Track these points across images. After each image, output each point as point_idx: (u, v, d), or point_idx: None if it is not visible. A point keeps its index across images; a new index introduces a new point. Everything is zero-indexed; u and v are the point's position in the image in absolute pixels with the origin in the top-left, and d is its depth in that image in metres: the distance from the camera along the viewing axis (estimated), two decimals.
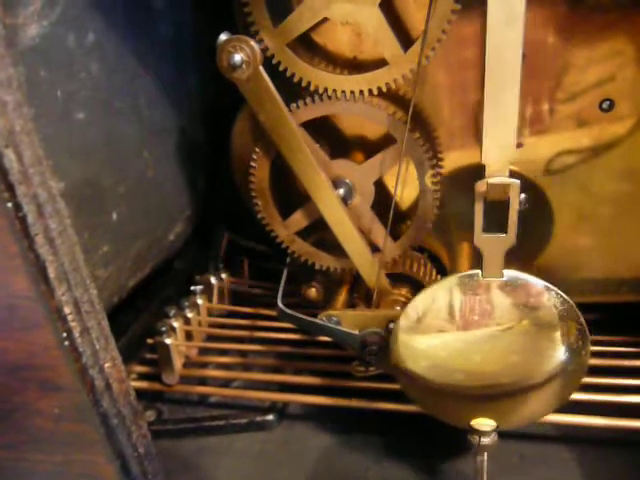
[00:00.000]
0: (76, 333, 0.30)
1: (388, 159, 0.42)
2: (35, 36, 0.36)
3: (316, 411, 0.51)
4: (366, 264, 0.44)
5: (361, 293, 0.47)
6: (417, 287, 0.47)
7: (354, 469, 0.46)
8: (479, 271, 0.37)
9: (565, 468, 0.43)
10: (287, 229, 0.46)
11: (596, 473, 0.43)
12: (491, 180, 0.35)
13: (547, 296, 0.37)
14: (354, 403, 0.48)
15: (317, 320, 0.43)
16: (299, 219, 0.45)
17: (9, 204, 0.26)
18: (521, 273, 0.37)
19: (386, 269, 0.45)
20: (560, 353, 0.38)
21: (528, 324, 0.37)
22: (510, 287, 0.37)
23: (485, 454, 0.39)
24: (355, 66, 0.43)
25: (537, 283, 0.37)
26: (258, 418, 0.51)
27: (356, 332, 0.43)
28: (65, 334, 0.30)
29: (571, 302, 0.37)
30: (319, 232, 0.47)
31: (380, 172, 0.44)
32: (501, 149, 0.35)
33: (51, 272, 0.28)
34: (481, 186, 0.36)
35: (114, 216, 0.46)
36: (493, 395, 0.39)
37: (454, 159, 0.46)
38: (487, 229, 0.36)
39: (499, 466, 0.44)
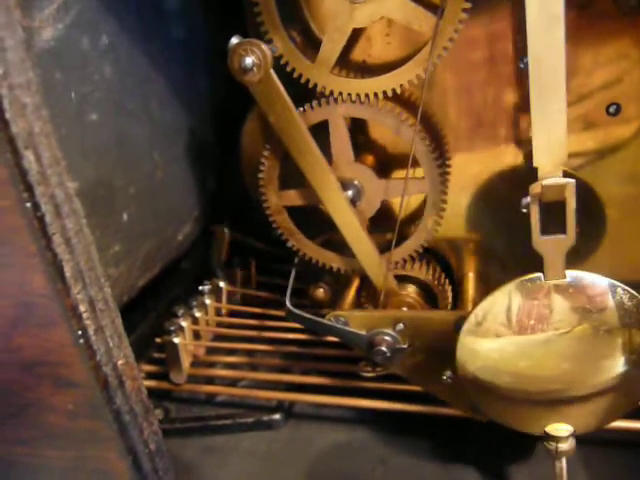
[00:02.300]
0: (91, 331, 0.30)
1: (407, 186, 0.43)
2: (50, 39, 0.36)
3: (323, 411, 0.51)
4: (374, 265, 0.44)
5: (369, 294, 0.48)
6: (424, 288, 0.48)
7: (361, 469, 0.46)
8: (541, 274, 0.37)
9: (571, 468, 0.43)
10: (279, 199, 0.45)
11: (602, 474, 0.43)
12: (545, 182, 0.35)
13: (613, 294, 0.36)
14: (361, 403, 0.48)
15: (325, 320, 0.44)
16: (294, 196, 0.45)
17: (28, 204, 0.27)
18: (585, 272, 0.36)
19: (393, 270, 0.45)
20: (622, 358, 0.37)
21: (588, 327, 0.37)
22: (574, 288, 0.36)
23: (564, 460, 0.39)
24: (364, 69, 0.43)
25: (601, 281, 0.36)
26: (265, 417, 0.51)
27: (364, 332, 0.43)
28: (80, 332, 0.30)
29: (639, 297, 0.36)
30: (327, 233, 0.48)
31: (392, 195, 0.44)
32: (552, 151, 0.35)
33: (67, 271, 0.29)
34: (536, 188, 0.35)
35: (125, 216, 0.46)
36: (563, 400, 0.38)
37: (461, 161, 0.46)
38: (546, 231, 0.36)
39: (502, 465, 0.44)
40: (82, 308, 0.30)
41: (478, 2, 0.38)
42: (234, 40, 0.39)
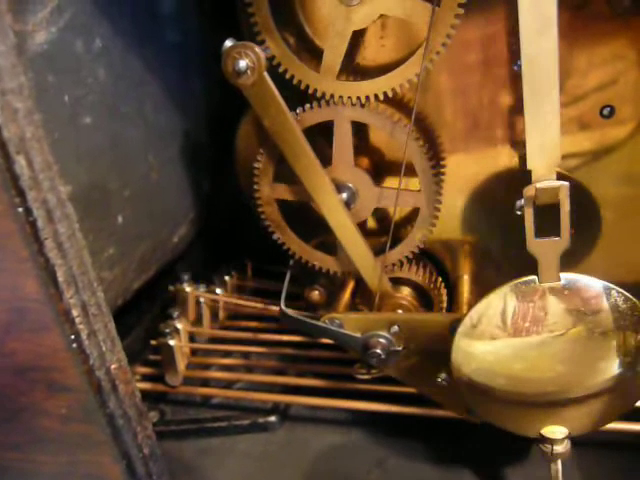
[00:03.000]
0: (84, 335, 0.30)
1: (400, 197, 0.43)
2: (44, 42, 0.36)
3: (318, 413, 0.51)
4: (368, 267, 0.44)
5: (363, 296, 0.48)
6: (419, 291, 0.48)
7: (356, 471, 0.46)
8: (535, 277, 0.37)
9: (566, 470, 0.43)
10: (272, 191, 0.45)
11: (595, 475, 0.43)
12: (539, 184, 0.35)
13: (607, 296, 0.36)
14: (356, 405, 0.48)
15: (320, 323, 0.44)
16: (286, 191, 0.45)
17: (20, 209, 0.27)
18: (580, 275, 0.36)
19: (388, 272, 0.45)
20: (617, 360, 0.37)
21: (583, 330, 0.37)
22: (567, 291, 0.37)
23: (559, 462, 0.39)
24: (358, 72, 0.43)
25: (596, 284, 0.36)
26: (261, 419, 0.51)
27: (358, 335, 0.43)
28: (73, 336, 0.30)
29: (634, 299, 0.36)
30: (321, 235, 0.48)
31: (385, 203, 0.44)
32: (546, 153, 0.35)
33: (60, 275, 0.29)
34: (530, 191, 0.35)
35: (119, 219, 0.46)
36: (558, 402, 0.38)
37: (456, 163, 0.46)
38: (540, 233, 0.36)
39: (500, 467, 0.44)
40: (75, 313, 0.30)
41: (473, 4, 0.38)
42: (228, 43, 0.39)
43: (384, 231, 0.47)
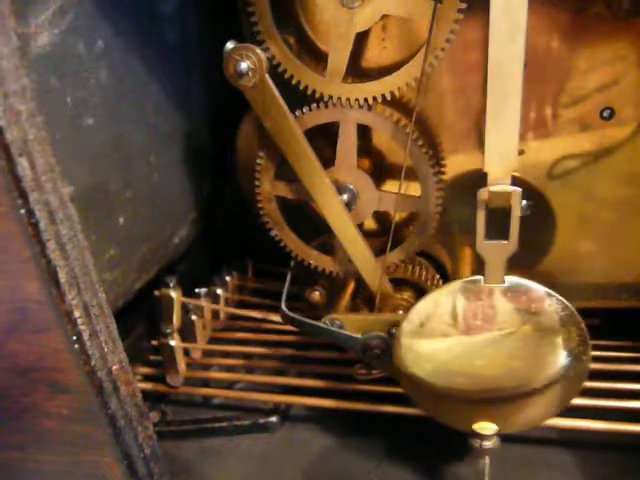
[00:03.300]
0: (85, 336, 0.31)
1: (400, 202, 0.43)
2: (46, 44, 0.36)
3: (319, 413, 0.51)
4: (369, 268, 0.44)
5: (364, 297, 0.48)
6: (419, 292, 0.48)
7: (356, 471, 0.46)
8: (482, 277, 0.38)
9: (566, 471, 0.43)
10: (272, 188, 0.45)
11: (597, 476, 0.43)
12: (493, 188, 0.36)
13: (548, 302, 0.37)
14: (356, 406, 0.49)
15: (320, 324, 0.44)
16: (287, 189, 0.45)
17: (22, 211, 0.27)
18: (522, 279, 0.38)
19: (389, 274, 0.45)
20: (561, 358, 0.38)
21: (530, 329, 0.38)
22: (512, 293, 0.38)
23: (487, 457, 0.40)
24: (359, 74, 0.43)
25: (538, 289, 0.37)
26: (261, 420, 0.51)
27: (358, 336, 0.43)
28: (75, 337, 0.30)
29: (572, 308, 0.37)
30: (322, 236, 0.48)
31: (384, 207, 0.44)
32: (503, 157, 0.35)
33: (62, 277, 0.29)
34: (483, 194, 0.36)
35: (121, 220, 0.47)
36: (495, 399, 0.39)
37: (457, 164, 0.46)
38: (489, 236, 0.37)
39: (500, 470, 0.44)
40: (77, 313, 0.30)
41: (474, 4, 0.38)
42: (229, 45, 0.39)
43: (384, 232, 0.47)
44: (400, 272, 0.47)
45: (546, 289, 0.37)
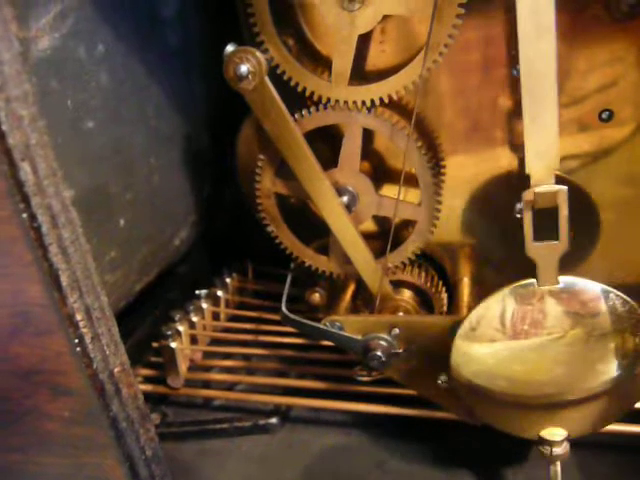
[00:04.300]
0: (87, 339, 0.31)
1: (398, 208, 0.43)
2: (47, 48, 0.36)
3: (319, 415, 0.52)
4: (369, 270, 0.44)
5: (364, 299, 0.48)
6: (419, 293, 0.48)
7: (357, 473, 0.46)
8: (534, 280, 0.37)
9: (566, 471, 0.43)
10: (272, 185, 0.45)
11: (597, 476, 0.43)
12: (538, 189, 0.35)
13: (606, 299, 0.36)
14: (357, 407, 0.49)
15: (320, 325, 0.44)
16: (287, 186, 0.45)
17: (24, 215, 0.27)
18: (578, 278, 0.37)
19: (388, 275, 0.45)
20: (615, 362, 0.37)
21: (581, 332, 0.37)
22: (566, 294, 0.37)
23: (558, 464, 0.39)
24: (359, 76, 0.43)
25: (594, 287, 0.37)
26: (262, 421, 0.51)
27: (359, 337, 0.43)
28: (77, 340, 0.31)
29: (632, 302, 0.36)
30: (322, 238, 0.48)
31: (383, 212, 0.45)
32: (544, 157, 0.35)
33: (64, 280, 0.29)
34: (528, 195, 0.36)
35: (121, 222, 0.47)
36: (557, 404, 0.39)
37: (456, 165, 0.46)
38: (538, 237, 0.36)
39: (500, 469, 0.44)
40: (78, 317, 0.30)
41: (474, 5, 0.38)
42: (229, 48, 0.39)
43: (384, 234, 0.47)
44: (400, 274, 0.47)
45: (603, 286, 0.36)
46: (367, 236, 0.44)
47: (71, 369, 0.31)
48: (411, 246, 0.45)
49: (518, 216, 0.37)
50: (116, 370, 0.33)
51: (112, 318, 0.33)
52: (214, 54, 0.41)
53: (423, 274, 0.48)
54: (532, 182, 0.36)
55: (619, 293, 0.37)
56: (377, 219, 0.49)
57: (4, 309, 0.30)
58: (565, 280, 0.37)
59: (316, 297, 0.51)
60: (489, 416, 0.41)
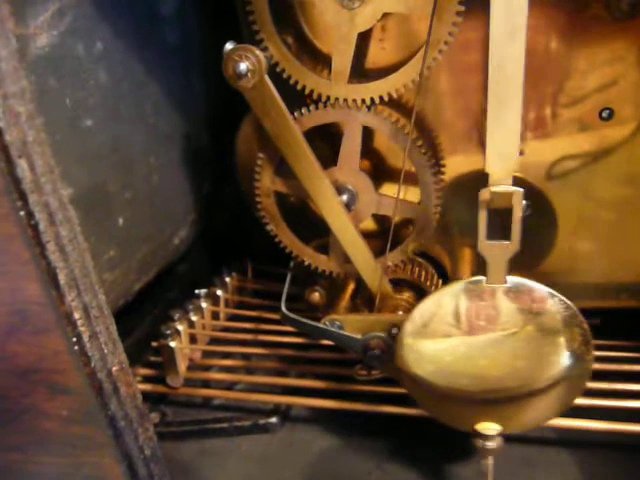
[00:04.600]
0: (85, 338, 0.31)
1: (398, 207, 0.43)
2: (45, 45, 0.36)
3: (319, 414, 0.51)
4: (369, 269, 0.44)
5: (364, 298, 0.48)
6: (419, 292, 0.48)
7: (357, 472, 0.46)
8: (484, 277, 0.38)
9: (565, 472, 0.43)
10: (272, 183, 0.45)
11: (597, 476, 0.43)
12: (494, 188, 0.36)
13: (551, 302, 0.37)
14: (357, 406, 0.49)
15: (320, 324, 0.44)
16: (286, 185, 0.45)
17: (22, 212, 0.27)
18: (525, 279, 0.37)
19: (388, 274, 0.45)
20: (564, 359, 0.38)
21: (532, 329, 0.38)
22: (514, 293, 0.37)
23: (490, 458, 0.40)
24: (359, 75, 0.43)
25: (541, 289, 0.37)
26: (261, 421, 0.51)
27: (359, 336, 0.43)
28: (75, 339, 0.30)
29: (575, 308, 0.37)
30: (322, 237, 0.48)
31: (383, 210, 0.45)
32: (504, 158, 0.35)
33: (61, 278, 0.29)
34: (484, 194, 0.36)
35: (120, 221, 0.47)
36: (497, 399, 0.39)
37: (456, 165, 0.46)
38: (491, 236, 0.37)
39: (500, 469, 0.44)
40: (76, 315, 0.30)
41: (473, 4, 0.38)
42: (228, 46, 0.39)
43: (383, 233, 0.47)
44: (399, 273, 0.47)
45: (548, 289, 0.37)
46: (367, 235, 0.44)
47: (69, 368, 0.31)
48: (411, 245, 0.45)
49: None
50: (114, 369, 0.33)
51: (110, 317, 0.33)
52: (213, 52, 0.41)
53: (423, 273, 0.48)
54: (490, 181, 0.36)
55: (562, 297, 0.37)
56: (377, 218, 0.48)
57: (1, 307, 0.30)
58: (513, 280, 0.37)
59: (316, 296, 0.50)
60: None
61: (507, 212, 0.36)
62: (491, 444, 0.39)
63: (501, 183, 0.36)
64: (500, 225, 0.37)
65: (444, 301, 0.38)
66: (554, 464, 0.45)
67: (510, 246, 0.37)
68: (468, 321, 0.38)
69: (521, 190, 0.35)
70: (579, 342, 0.38)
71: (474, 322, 0.38)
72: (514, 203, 0.36)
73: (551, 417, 0.41)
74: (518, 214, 0.36)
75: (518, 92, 0.34)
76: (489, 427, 0.40)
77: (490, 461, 0.40)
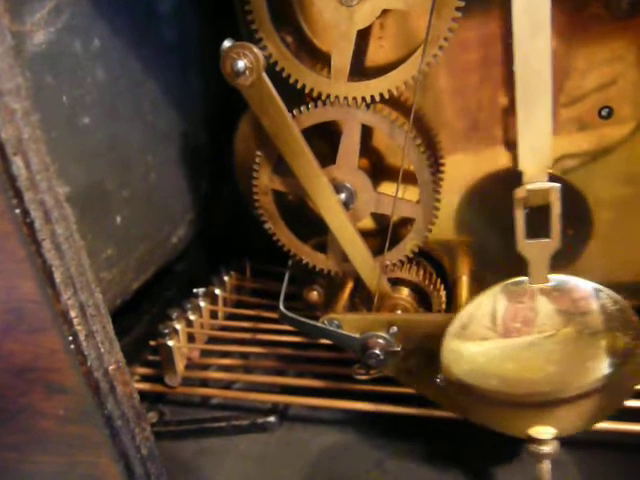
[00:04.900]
0: (81, 336, 0.30)
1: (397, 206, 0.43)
2: (42, 42, 0.36)
3: (317, 413, 0.51)
4: (367, 268, 0.44)
5: (362, 297, 0.48)
6: (417, 291, 0.48)
7: (355, 471, 0.46)
8: (526, 278, 0.37)
9: (564, 471, 0.43)
10: (270, 181, 0.45)
11: (597, 476, 0.43)
12: (530, 186, 0.35)
13: (596, 298, 0.36)
14: (355, 405, 0.48)
15: (318, 323, 0.44)
16: (285, 183, 0.45)
17: (17, 210, 0.27)
18: (569, 277, 0.36)
19: (387, 273, 0.45)
20: (613, 357, 0.37)
21: (575, 330, 0.37)
22: (558, 292, 0.37)
23: (546, 462, 0.39)
24: (358, 72, 0.43)
25: (586, 286, 0.36)
26: (259, 420, 0.51)
27: (357, 335, 0.43)
28: (71, 337, 0.30)
29: (624, 302, 0.36)
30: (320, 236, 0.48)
31: (382, 209, 0.44)
32: (538, 154, 0.35)
33: (57, 276, 0.29)
34: (520, 192, 0.35)
35: (118, 219, 0.46)
36: (550, 402, 0.38)
37: (455, 163, 0.46)
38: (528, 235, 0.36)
39: (500, 469, 0.44)
40: (73, 314, 0.30)
41: (472, 3, 0.38)
42: (226, 43, 0.39)
43: (382, 231, 0.47)
44: (398, 272, 0.47)
45: (594, 285, 0.36)
46: (365, 234, 0.44)
47: (65, 367, 0.31)
48: (409, 244, 0.44)
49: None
50: (111, 368, 0.32)
51: (107, 315, 0.33)
52: (211, 50, 0.41)
53: (421, 272, 0.47)
54: (525, 179, 0.35)
55: (610, 292, 0.36)
56: (375, 217, 0.48)
57: None
58: (556, 278, 0.37)
59: (314, 295, 0.50)
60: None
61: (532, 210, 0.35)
62: (546, 448, 0.38)
63: (536, 180, 0.35)
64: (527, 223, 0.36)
65: (483, 303, 0.38)
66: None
67: (551, 243, 0.36)
68: (504, 323, 0.37)
69: (558, 185, 0.35)
70: (630, 337, 0.36)
71: (510, 324, 0.37)
72: (552, 199, 0.35)
73: (602, 418, 0.39)
74: (557, 210, 0.35)
75: (547, 86, 0.34)
76: (543, 431, 0.38)
77: (546, 465, 0.39)
